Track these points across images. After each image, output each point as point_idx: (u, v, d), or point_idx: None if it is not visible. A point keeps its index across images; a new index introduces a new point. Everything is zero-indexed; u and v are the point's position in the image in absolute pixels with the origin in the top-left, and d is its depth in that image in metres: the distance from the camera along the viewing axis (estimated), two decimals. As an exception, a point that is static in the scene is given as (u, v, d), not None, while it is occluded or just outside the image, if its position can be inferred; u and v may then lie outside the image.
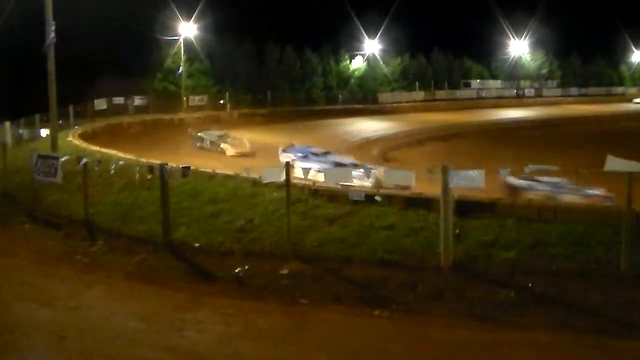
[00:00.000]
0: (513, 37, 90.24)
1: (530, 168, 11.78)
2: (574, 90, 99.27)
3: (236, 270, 10.64)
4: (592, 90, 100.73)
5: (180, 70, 54.32)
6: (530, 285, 9.28)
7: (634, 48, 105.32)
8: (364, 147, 43.25)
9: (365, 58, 77.48)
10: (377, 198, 12.39)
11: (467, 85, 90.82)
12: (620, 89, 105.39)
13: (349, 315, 8.78)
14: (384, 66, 78.17)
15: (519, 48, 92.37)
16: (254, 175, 13.75)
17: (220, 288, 10.04)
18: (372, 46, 77.09)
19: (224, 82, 58.97)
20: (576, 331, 7.83)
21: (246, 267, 10.75)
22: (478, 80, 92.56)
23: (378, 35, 75.76)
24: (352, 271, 10.25)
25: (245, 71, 61.72)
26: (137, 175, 15.05)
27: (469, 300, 8.92)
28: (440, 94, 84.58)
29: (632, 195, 9.53)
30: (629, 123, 67.22)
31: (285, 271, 10.40)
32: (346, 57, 75.93)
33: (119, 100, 47.83)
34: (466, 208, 11.49)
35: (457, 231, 10.68)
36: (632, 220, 9.59)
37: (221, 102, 56.25)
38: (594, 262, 9.79)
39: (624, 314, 8.26)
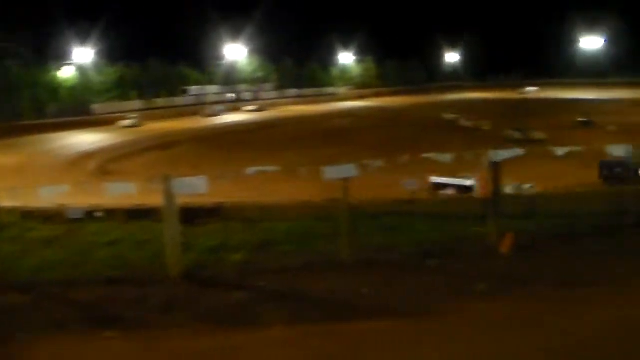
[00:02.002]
0: (229, 42, 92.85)
1: (250, 170, 12.16)
2: (290, 92, 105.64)
3: None
4: (307, 91, 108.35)
5: None
6: (261, 284, 9.54)
7: (340, 51, 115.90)
8: (80, 162, 41.16)
9: (76, 68, 73.67)
10: (98, 214, 11.83)
11: (186, 92, 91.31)
12: (330, 89, 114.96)
13: (78, 342, 8.16)
14: (97, 75, 75.14)
15: (234, 54, 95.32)
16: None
17: None
18: (84, 55, 73.60)
19: None
20: (308, 322, 8.21)
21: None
22: (197, 87, 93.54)
23: (90, 44, 72.62)
24: (77, 294, 9.59)
25: None
26: None
27: (202, 306, 8.88)
28: (159, 102, 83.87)
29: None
30: (339, 120, 73.53)
31: (-3, 304, 9.35)
32: (55, 67, 71.43)
33: None
34: (192, 215, 11.48)
35: (184, 239, 10.60)
36: (347, 213, 10.39)
37: None
38: (319, 254, 10.42)
39: (347, 299, 8.90)
